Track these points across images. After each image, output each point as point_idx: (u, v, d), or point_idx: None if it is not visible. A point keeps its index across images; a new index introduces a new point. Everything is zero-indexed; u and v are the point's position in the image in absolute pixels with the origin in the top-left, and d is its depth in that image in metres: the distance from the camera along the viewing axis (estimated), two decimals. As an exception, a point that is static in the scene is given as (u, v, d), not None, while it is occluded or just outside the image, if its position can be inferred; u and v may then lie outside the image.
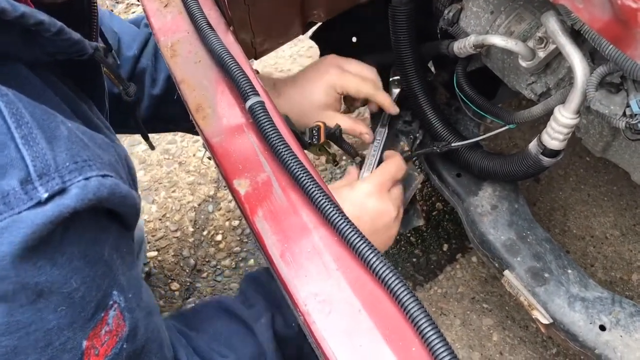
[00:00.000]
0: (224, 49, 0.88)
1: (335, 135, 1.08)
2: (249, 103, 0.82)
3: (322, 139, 1.03)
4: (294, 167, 0.75)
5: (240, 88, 0.83)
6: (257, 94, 0.83)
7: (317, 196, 0.74)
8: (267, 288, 0.95)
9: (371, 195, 0.99)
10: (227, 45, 0.90)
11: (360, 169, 1.15)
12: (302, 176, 0.75)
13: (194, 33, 0.94)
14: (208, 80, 0.90)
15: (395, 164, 1.08)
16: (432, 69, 1.50)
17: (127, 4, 2.40)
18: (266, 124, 0.80)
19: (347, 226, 0.73)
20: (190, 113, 0.88)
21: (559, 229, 1.62)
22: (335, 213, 0.74)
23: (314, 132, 1.03)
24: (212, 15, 0.97)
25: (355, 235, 0.72)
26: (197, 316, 0.94)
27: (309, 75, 1.16)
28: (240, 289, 1.00)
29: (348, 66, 1.18)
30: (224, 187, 1.77)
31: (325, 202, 0.73)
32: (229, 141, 0.84)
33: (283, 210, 0.76)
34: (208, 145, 0.85)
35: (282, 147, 0.77)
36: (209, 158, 0.93)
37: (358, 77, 1.17)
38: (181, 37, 0.95)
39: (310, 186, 0.74)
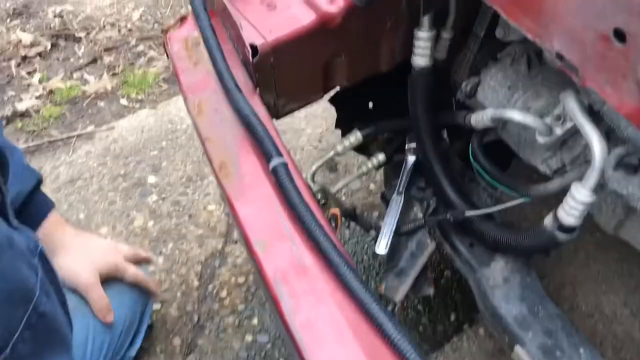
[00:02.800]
0: (250, 109, 0.90)
1: (350, 214, 1.18)
2: (272, 164, 0.83)
3: (339, 226, 1.13)
4: (315, 231, 0.75)
5: (264, 148, 0.85)
6: (281, 155, 0.84)
7: (336, 262, 0.73)
8: None
9: None
10: (253, 106, 0.92)
11: (377, 239, 1.16)
12: (323, 241, 0.75)
13: (221, 92, 0.97)
14: (233, 139, 0.91)
15: None
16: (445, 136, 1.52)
17: (149, 58, 2.46)
18: (289, 185, 0.80)
19: (365, 293, 0.73)
20: (213, 170, 0.89)
21: (568, 305, 1.60)
22: (354, 280, 0.73)
23: (331, 221, 1.11)
24: (239, 76, 1.00)
25: (373, 304, 0.72)
26: None
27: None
28: None
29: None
30: (233, 241, 1.77)
31: (344, 268, 0.73)
32: (250, 200, 0.84)
33: (301, 274, 0.76)
34: (229, 202, 0.86)
35: (303, 210, 0.77)
36: (227, 214, 0.94)
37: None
38: (208, 96, 0.98)
39: (331, 252, 0.74)
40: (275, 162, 0.83)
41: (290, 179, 0.81)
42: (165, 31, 1.09)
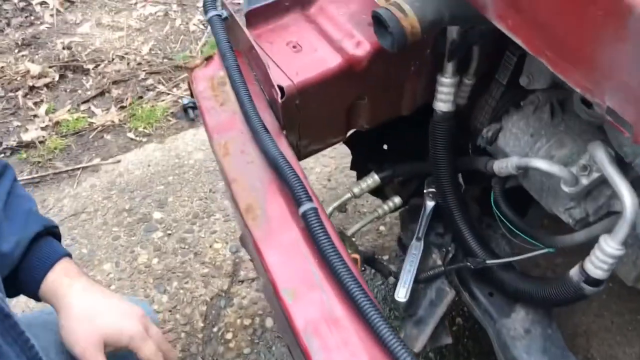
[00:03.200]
0: (279, 151, 0.88)
1: (370, 259, 1.19)
2: (302, 209, 0.81)
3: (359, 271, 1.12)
4: (348, 281, 0.73)
5: (294, 193, 0.83)
6: (311, 200, 0.82)
7: (371, 314, 0.71)
8: None
9: None
10: (281, 148, 0.90)
11: (396, 285, 1.13)
12: (356, 291, 0.72)
13: (248, 133, 0.95)
14: (260, 181, 0.89)
15: None
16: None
17: (157, 92, 2.46)
18: (320, 232, 0.78)
19: (399, 346, 0.70)
20: (239, 213, 0.87)
21: (582, 356, 1.56)
22: (388, 331, 0.71)
23: None
24: (265, 117, 0.98)
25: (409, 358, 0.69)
26: None
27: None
28: None
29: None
30: (239, 281, 1.73)
31: (378, 320, 0.71)
32: (278, 245, 0.82)
33: (333, 325, 0.73)
34: (255, 247, 0.83)
35: (335, 258, 0.75)
36: (251, 260, 0.91)
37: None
38: (235, 137, 0.96)
39: (364, 303, 0.72)
40: (305, 207, 0.81)
41: (321, 225, 0.79)
42: (190, 70, 1.08)
